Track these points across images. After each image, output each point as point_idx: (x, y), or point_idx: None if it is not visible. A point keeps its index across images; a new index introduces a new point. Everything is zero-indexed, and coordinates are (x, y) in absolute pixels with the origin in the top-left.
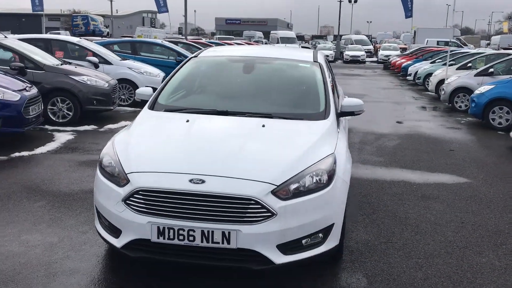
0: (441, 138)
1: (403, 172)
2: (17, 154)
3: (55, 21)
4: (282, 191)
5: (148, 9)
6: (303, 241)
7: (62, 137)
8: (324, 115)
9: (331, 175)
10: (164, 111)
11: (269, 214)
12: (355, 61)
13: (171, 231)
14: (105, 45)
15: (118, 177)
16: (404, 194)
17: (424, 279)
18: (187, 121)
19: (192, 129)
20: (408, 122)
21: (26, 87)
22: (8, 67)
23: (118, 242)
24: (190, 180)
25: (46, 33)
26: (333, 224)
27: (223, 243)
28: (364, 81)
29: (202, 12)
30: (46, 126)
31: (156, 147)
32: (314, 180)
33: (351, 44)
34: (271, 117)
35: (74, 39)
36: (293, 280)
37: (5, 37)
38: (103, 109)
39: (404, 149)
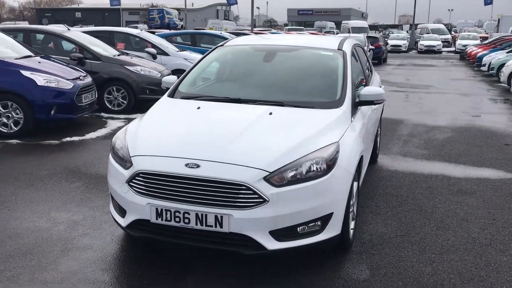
0: (499, 132)
1: (445, 166)
2: (68, 138)
3: (134, 15)
4: (276, 178)
5: (223, 2)
6: (298, 229)
7: (114, 124)
8: (337, 104)
9: (330, 163)
10: (181, 98)
11: (261, 200)
12: (430, 51)
13: (168, 213)
14: (168, 37)
15: (125, 160)
16: (438, 188)
17: (431, 274)
18: (198, 108)
19: (200, 115)
20: (469, 114)
21: (80, 76)
22: (69, 58)
23: (123, 222)
24: (186, 165)
25: (125, 26)
26: (331, 214)
27: (216, 226)
28: (434, 71)
29: (274, 3)
30: (102, 114)
31: (161, 132)
32: (312, 168)
33: (427, 33)
34: (283, 105)
35: (135, 31)
36: (292, 267)
37: (68, 29)
38: (156, 98)
39: (454, 142)
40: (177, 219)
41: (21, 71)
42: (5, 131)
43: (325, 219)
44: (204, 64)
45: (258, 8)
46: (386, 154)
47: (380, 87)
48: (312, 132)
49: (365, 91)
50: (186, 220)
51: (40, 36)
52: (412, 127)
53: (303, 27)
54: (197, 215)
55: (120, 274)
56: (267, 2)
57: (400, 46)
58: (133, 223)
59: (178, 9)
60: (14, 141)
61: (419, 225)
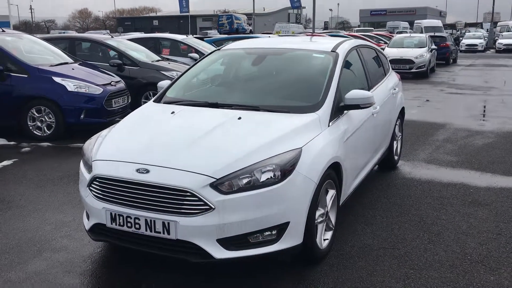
0: None
1: (469, 174)
2: None
3: (208, 21)
4: (224, 185)
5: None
6: (250, 238)
7: None
8: (314, 108)
9: (287, 170)
10: (164, 103)
11: (207, 207)
12: (509, 50)
13: (121, 218)
14: (217, 41)
15: (88, 164)
16: (450, 198)
17: None
18: (172, 112)
19: (169, 121)
20: None
21: (112, 81)
22: (108, 64)
23: (87, 225)
24: (137, 170)
25: (199, 32)
26: (288, 223)
27: (164, 233)
28: (506, 72)
29: (346, 4)
30: None
31: (126, 137)
32: (265, 175)
33: (508, 31)
34: (258, 110)
35: (180, 37)
36: (248, 275)
37: (112, 37)
38: None
39: (492, 149)
40: (129, 225)
41: (53, 77)
42: (39, 134)
43: (281, 228)
44: (195, 68)
45: (331, 10)
46: (408, 161)
47: (393, 92)
48: (274, 138)
49: (350, 94)
50: (137, 226)
51: (85, 44)
52: (452, 132)
53: (372, 28)
54: (146, 221)
55: (80, 277)
56: (338, 4)
57: (476, 45)
58: (94, 227)
59: (248, 14)
60: (45, 144)
61: (410, 237)
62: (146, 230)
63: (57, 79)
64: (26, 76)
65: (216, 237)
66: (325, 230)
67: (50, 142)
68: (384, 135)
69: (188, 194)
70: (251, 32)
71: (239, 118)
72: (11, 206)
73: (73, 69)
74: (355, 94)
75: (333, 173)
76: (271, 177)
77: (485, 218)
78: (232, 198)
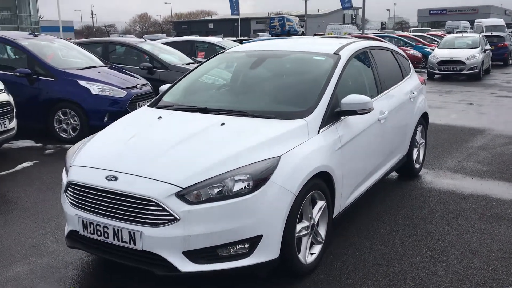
0: None
1: (496, 186)
2: None
3: (261, 23)
4: (191, 195)
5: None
6: (218, 251)
7: None
8: (304, 114)
9: (260, 180)
10: (157, 107)
11: (172, 218)
12: None
13: (91, 225)
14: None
15: (67, 170)
16: (468, 211)
17: None
18: (159, 117)
19: (152, 126)
20: None
21: (137, 85)
22: (138, 67)
23: (65, 231)
24: (107, 177)
25: (252, 35)
26: (260, 236)
27: (130, 243)
28: None
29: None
30: None
31: (104, 143)
32: (237, 185)
33: None
34: (246, 115)
35: (215, 40)
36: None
37: (145, 40)
38: None
39: None
40: (99, 233)
41: (78, 80)
42: (65, 136)
43: (254, 242)
44: (197, 72)
45: (388, 10)
46: (433, 169)
47: (410, 97)
48: (252, 145)
49: (346, 99)
50: (106, 235)
51: (119, 48)
52: (490, 139)
53: (429, 28)
54: (114, 230)
55: (55, 284)
56: (394, 4)
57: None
58: (69, 234)
59: (301, 16)
60: (70, 146)
61: (411, 254)
62: (114, 239)
63: (82, 83)
64: (53, 79)
65: (182, 249)
66: (313, 244)
67: (74, 144)
68: (398, 142)
69: (152, 203)
70: (303, 33)
71: (222, 124)
72: (15, 208)
73: (99, 72)
74: (351, 99)
75: (322, 184)
76: (244, 187)
77: (500, 235)
78: (198, 209)
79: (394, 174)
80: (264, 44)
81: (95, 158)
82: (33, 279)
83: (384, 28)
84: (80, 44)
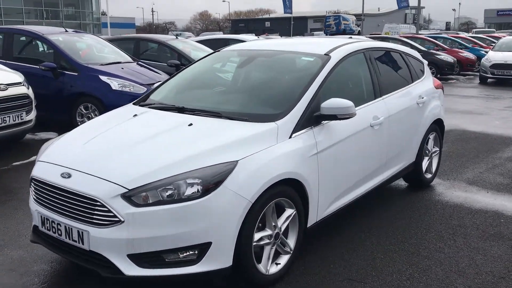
0: None
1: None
2: None
3: (318, 22)
4: (138, 196)
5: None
6: (165, 256)
7: None
8: (277, 117)
9: (211, 185)
10: (140, 105)
11: (116, 219)
12: None
13: (48, 222)
14: None
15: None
16: (470, 228)
17: None
18: (135, 115)
19: (122, 124)
20: None
21: (159, 81)
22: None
23: (32, 226)
24: (61, 174)
25: (309, 33)
26: (209, 243)
27: (79, 242)
28: None
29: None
30: None
31: (73, 138)
32: (185, 189)
33: None
34: (219, 116)
35: (250, 38)
36: None
37: (176, 38)
38: None
39: None
40: (53, 230)
41: (99, 76)
42: None
43: (202, 249)
44: (188, 70)
45: (454, 10)
46: (448, 180)
47: (418, 102)
48: (211, 148)
49: (326, 103)
50: (59, 232)
51: (151, 45)
52: None
53: (494, 30)
54: (65, 227)
55: (19, 277)
56: (459, 4)
57: None
58: (33, 228)
59: (360, 15)
60: None
61: (389, 271)
62: (66, 238)
63: (103, 78)
64: (76, 74)
65: (127, 252)
66: (281, 254)
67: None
68: (401, 149)
69: (98, 203)
70: (359, 33)
71: (190, 125)
72: (13, 198)
73: (122, 68)
74: (331, 103)
75: (291, 191)
76: (196, 191)
77: (496, 256)
78: (143, 212)
79: (403, 183)
80: (258, 44)
81: (58, 155)
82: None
83: (449, 28)
84: (113, 40)
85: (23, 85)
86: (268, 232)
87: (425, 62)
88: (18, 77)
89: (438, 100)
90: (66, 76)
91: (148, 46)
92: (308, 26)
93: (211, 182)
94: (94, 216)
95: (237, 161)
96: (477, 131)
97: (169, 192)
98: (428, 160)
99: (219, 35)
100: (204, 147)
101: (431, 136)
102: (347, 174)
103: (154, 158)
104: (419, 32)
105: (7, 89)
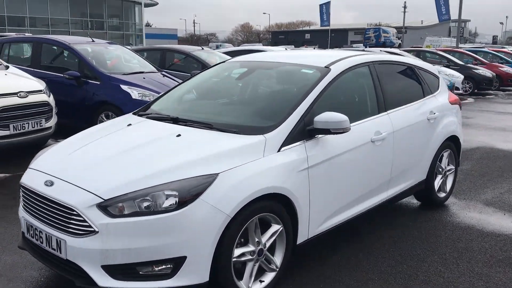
0: None
1: None
2: None
3: (359, 34)
4: (114, 207)
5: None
6: (139, 269)
7: None
8: (265, 130)
9: (188, 198)
10: (139, 115)
11: (91, 229)
12: None
13: (32, 229)
14: None
15: None
16: (477, 252)
17: None
18: (129, 125)
19: (114, 134)
20: None
21: None
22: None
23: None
24: (45, 182)
25: (350, 46)
26: (184, 257)
27: (57, 251)
28: None
29: None
30: None
31: (63, 147)
32: (161, 201)
33: None
34: (210, 128)
35: (276, 49)
36: None
37: (202, 49)
38: None
39: None
40: (36, 237)
41: (120, 85)
42: None
43: (177, 263)
44: (191, 81)
45: (501, 23)
46: (464, 199)
47: (429, 118)
48: (193, 160)
49: (320, 117)
50: (41, 239)
51: (177, 55)
52: None
53: None
54: (46, 235)
55: (6, 283)
56: (506, 17)
57: None
58: (22, 235)
59: (401, 28)
60: None
61: None
62: (47, 245)
63: (124, 87)
64: (98, 83)
65: (101, 263)
66: (266, 271)
67: None
68: (408, 166)
69: (75, 213)
70: (399, 46)
71: (178, 136)
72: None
73: (144, 78)
74: (325, 117)
75: (278, 206)
76: (172, 204)
77: (500, 284)
78: (118, 223)
79: (415, 201)
80: (264, 55)
81: (46, 162)
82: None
83: (495, 42)
84: (139, 51)
85: (44, 92)
86: (250, 248)
87: (441, 77)
88: (39, 84)
89: (454, 117)
90: (89, 85)
91: (174, 57)
92: (348, 38)
93: (188, 195)
94: (70, 225)
95: (217, 174)
96: (507, 149)
97: (147, 203)
98: (441, 178)
99: (246, 47)
100: (187, 159)
101: (445, 154)
102: (344, 190)
103: (134, 169)
104: (462, 46)
105: (27, 96)
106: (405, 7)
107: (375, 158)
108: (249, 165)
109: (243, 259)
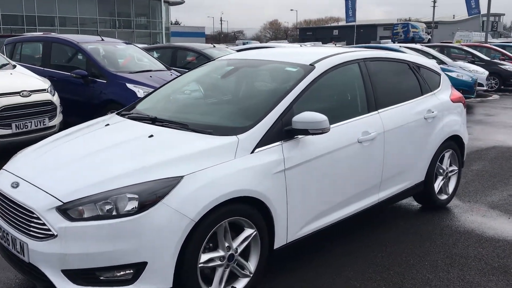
0: None
1: None
2: None
3: (388, 30)
4: (74, 210)
5: (492, 12)
6: (99, 274)
7: None
8: (239, 131)
9: (148, 201)
10: (120, 115)
11: (51, 233)
12: None
13: (1, 230)
14: None
15: None
16: (472, 259)
17: None
18: (107, 125)
19: (89, 134)
20: None
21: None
22: None
23: None
24: (12, 183)
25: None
26: (145, 263)
27: (21, 254)
28: None
29: None
30: None
31: (38, 148)
32: (127, 205)
33: None
34: (185, 128)
35: (284, 45)
36: None
37: (214, 46)
38: None
39: None
40: (4, 239)
41: (126, 83)
42: None
43: (138, 269)
44: (179, 80)
45: None
46: (469, 202)
47: (426, 117)
48: (159, 161)
49: (298, 117)
50: (8, 242)
51: (186, 53)
52: None
53: None
54: (12, 238)
55: None
56: None
57: None
58: None
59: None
60: None
61: None
62: (13, 248)
63: (130, 86)
64: (105, 81)
65: (60, 267)
66: (239, 277)
67: None
68: (403, 167)
69: (35, 215)
70: (429, 41)
71: (150, 136)
72: None
73: (150, 76)
74: (303, 117)
75: (251, 210)
76: (134, 207)
77: None
78: (76, 227)
79: (416, 203)
80: (253, 53)
81: (18, 163)
82: None
83: None
84: (150, 50)
85: (48, 91)
86: (220, 253)
87: (442, 73)
88: (43, 83)
89: (456, 115)
90: (97, 84)
91: (186, 55)
92: (377, 34)
93: (149, 198)
94: (32, 229)
95: (182, 176)
96: None
97: (108, 207)
98: (442, 180)
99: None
100: (153, 161)
101: (447, 154)
102: (328, 193)
103: (97, 171)
104: (494, 40)
105: (30, 95)
106: (434, 1)
107: (362, 159)
108: (218, 167)
109: (211, 264)
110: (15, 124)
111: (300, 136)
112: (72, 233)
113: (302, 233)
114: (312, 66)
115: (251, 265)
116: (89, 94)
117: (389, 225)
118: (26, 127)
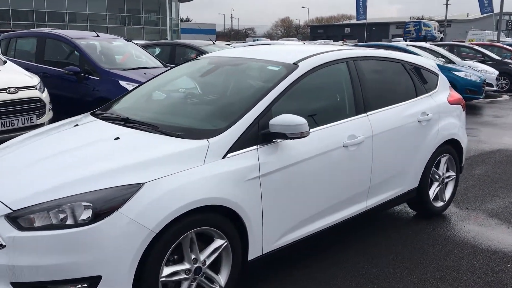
0: None
1: None
2: None
3: (400, 28)
4: (24, 219)
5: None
6: (50, 287)
7: None
8: (210, 134)
9: (103, 211)
10: (93, 115)
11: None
12: None
13: None
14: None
15: None
16: (464, 272)
17: None
18: (76, 125)
19: (54, 135)
20: None
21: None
22: None
23: None
24: None
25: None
26: (99, 277)
27: None
28: None
29: None
30: None
31: (2, 148)
32: (79, 213)
33: None
34: (155, 130)
35: (286, 42)
36: None
37: (214, 43)
38: None
39: None
40: None
41: (119, 81)
42: None
43: (92, 283)
44: (158, 79)
45: None
46: (467, 209)
47: (419, 119)
48: (119, 167)
49: (275, 119)
50: None
51: (186, 50)
52: None
53: None
54: None
55: None
56: None
57: None
58: None
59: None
60: None
61: None
62: None
63: (122, 83)
64: (97, 78)
65: (10, 279)
66: None
67: None
68: (393, 174)
69: None
70: (441, 39)
71: (116, 139)
72: None
73: (145, 73)
74: (281, 120)
75: (221, 219)
76: (88, 217)
77: None
78: (25, 237)
79: (410, 209)
80: (236, 51)
81: None
82: None
83: None
84: (148, 46)
85: (36, 88)
86: (185, 266)
87: (440, 74)
88: (31, 80)
89: (454, 118)
90: (90, 80)
91: (185, 52)
92: (389, 32)
93: (104, 207)
94: None
95: (143, 183)
96: None
97: (62, 215)
98: (438, 186)
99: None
100: (112, 166)
101: (443, 159)
102: (308, 201)
103: (53, 176)
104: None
105: (17, 92)
106: None
107: (348, 164)
108: (184, 173)
109: (175, 278)
110: (1, 122)
111: (279, 140)
112: (21, 243)
113: (280, 243)
114: (295, 65)
115: (222, 278)
116: (82, 91)
117: (378, 234)
118: (12, 124)
